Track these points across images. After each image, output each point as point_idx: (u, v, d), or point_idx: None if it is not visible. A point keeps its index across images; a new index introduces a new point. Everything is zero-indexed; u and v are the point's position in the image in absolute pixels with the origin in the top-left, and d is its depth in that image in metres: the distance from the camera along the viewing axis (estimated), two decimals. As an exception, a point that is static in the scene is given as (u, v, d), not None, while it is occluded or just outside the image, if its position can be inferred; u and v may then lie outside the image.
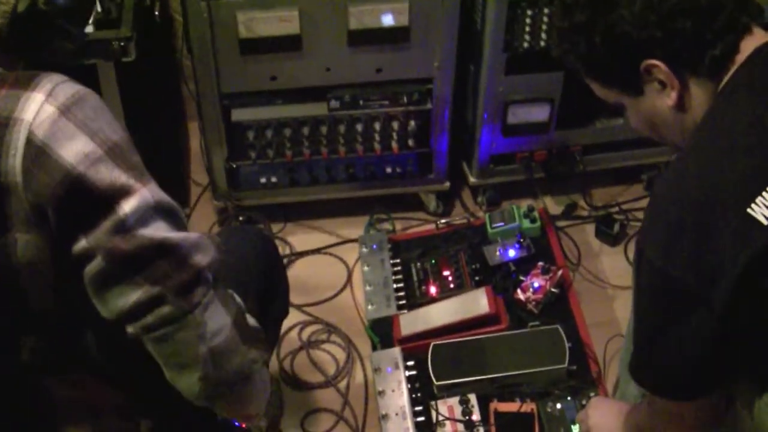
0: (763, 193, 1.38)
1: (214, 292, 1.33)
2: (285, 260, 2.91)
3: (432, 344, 2.44)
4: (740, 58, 1.51)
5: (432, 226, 2.95)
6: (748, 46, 1.51)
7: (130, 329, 1.30)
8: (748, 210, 1.37)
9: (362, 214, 3.05)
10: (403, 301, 2.67)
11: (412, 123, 2.80)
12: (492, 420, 2.31)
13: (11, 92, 1.24)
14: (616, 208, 3.10)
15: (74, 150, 1.22)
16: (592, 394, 2.34)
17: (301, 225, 3.08)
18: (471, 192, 3.15)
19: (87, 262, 1.26)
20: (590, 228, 3.04)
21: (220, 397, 1.37)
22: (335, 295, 2.85)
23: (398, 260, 2.79)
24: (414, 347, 2.49)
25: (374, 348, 2.59)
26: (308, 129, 2.77)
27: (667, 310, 1.50)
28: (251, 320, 1.43)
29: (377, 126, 2.79)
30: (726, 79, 1.51)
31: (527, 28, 2.61)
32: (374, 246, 2.83)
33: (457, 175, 3.08)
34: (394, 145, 2.84)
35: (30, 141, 1.21)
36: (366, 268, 2.78)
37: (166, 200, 1.31)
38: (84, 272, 1.27)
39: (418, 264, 2.77)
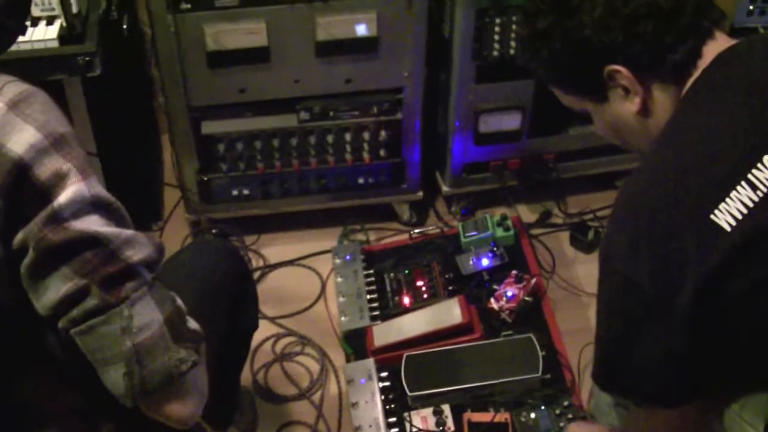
0: (727, 200, 1.37)
1: (149, 289, 1.32)
2: (258, 272, 2.91)
3: (405, 355, 2.42)
4: (703, 63, 1.51)
5: (405, 236, 2.95)
6: (711, 51, 1.52)
7: (60, 324, 1.30)
8: (712, 216, 1.37)
9: (335, 225, 3.04)
10: (377, 312, 2.65)
11: (383, 133, 2.79)
12: (466, 430, 2.30)
13: None
14: (591, 216, 3.09)
15: (21, 141, 1.24)
16: (566, 403, 2.33)
17: (274, 237, 3.06)
18: (445, 201, 3.14)
19: (23, 255, 1.26)
20: (565, 236, 3.04)
21: (147, 396, 1.34)
22: (309, 307, 2.83)
23: (372, 271, 2.78)
24: (388, 358, 2.48)
25: (348, 359, 2.57)
26: (279, 141, 2.76)
27: (632, 317, 1.50)
28: (192, 324, 1.41)
29: (348, 137, 2.78)
30: (689, 84, 1.51)
31: (496, 37, 2.61)
32: (347, 257, 2.82)
33: (431, 184, 3.07)
34: (366, 155, 2.83)
35: None
36: (339, 280, 2.76)
37: (104, 195, 1.31)
38: (21, 266, 1.27)
39: (392, 274, 2.76)
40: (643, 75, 1.52)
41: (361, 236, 3.01)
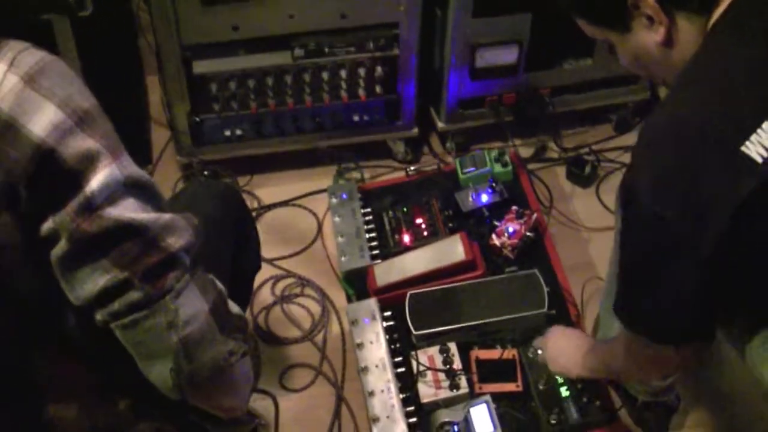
0: (758, 131, 1.35)
1: (191, 276, 1.26)
2: (253, 214, 2.86)
3: (409, 294, 2.40)
4: None
5: (402, 174, 2.91)
6: None
7: (98, 316, 1.24)
8: (742, 148, 1.34)
9: (330, 164, 2.99)
10: (377, 251, 2.62)
11: (379, 69, 2.74)
12: (474, 368, 2.29)
13: None
14: (587, 150, 3.06)
15: (43, 122, 1.15)
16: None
17: (268, 177, 3.01)
18: (439, 138, 3.10)
19: (52, 244, 1.19)
20: (561, 170, 3.01)
21: (195, 390, 1.30)
22: (307, 248, 2.80)
23: (369, 209, 2.74)
24: (390, 297, 2.46)
25: (349, 300, 2.55)
26: (273, 79, 2.70)
27: (655, 251, 1.48)
28: (234, 307, 1.37)
29: (343, 74, 2.72)
30: (717, 15, 1.47)
31: (494, -31, 2.56)
32: (344, 196, 2.78)
33: (426, 121, 3.03)
34: (361, 92, 2.78)
35: None
36: (337, 219, 2.72)
37: (137, 174, 1.24)
38: (51, 255, 1.20)
39: (390, 213, 2.73)
40: (668, 4, 1.48)
41: (356, 174, 2.97)
